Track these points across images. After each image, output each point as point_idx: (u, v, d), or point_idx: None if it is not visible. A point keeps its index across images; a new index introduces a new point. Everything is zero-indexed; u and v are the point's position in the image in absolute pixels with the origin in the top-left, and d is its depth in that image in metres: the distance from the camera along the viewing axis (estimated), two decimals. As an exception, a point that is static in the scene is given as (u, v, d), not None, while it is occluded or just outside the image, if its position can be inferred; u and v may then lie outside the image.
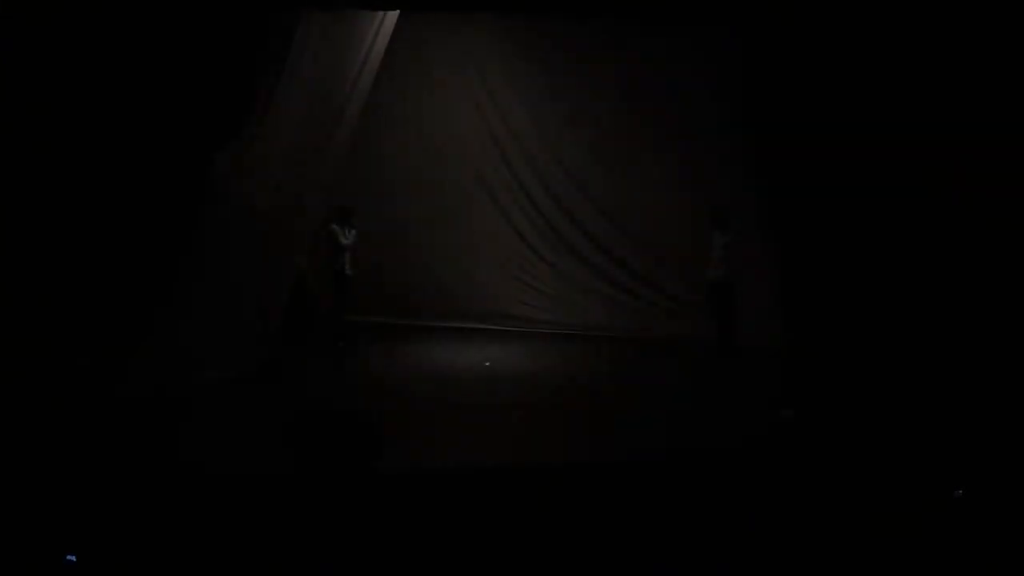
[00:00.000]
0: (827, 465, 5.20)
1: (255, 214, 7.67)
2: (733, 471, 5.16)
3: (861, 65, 8.08)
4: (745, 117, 9.16)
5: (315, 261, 9.54)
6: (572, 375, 8.42)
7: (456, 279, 10.60)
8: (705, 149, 9.64)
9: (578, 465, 5.49)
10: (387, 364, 8.76)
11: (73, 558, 3.86)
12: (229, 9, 7.17)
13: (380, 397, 7.24)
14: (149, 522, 4.35)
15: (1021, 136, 7.50)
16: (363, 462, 4.78)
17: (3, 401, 6.01)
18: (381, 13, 8.07)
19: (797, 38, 8.18)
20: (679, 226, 9.68)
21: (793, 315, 8.78)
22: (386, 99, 9.90)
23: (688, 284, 9.59)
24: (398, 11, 8.14)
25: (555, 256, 10.59)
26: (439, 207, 10.63)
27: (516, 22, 10.04)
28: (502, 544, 4.23)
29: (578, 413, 6.96)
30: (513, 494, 4.88)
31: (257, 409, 6.83)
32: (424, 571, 4.10)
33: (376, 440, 4.90)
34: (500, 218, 10.71)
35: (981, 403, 6.33)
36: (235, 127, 7.43)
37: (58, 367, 6.62)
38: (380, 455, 4.86)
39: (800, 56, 8.29)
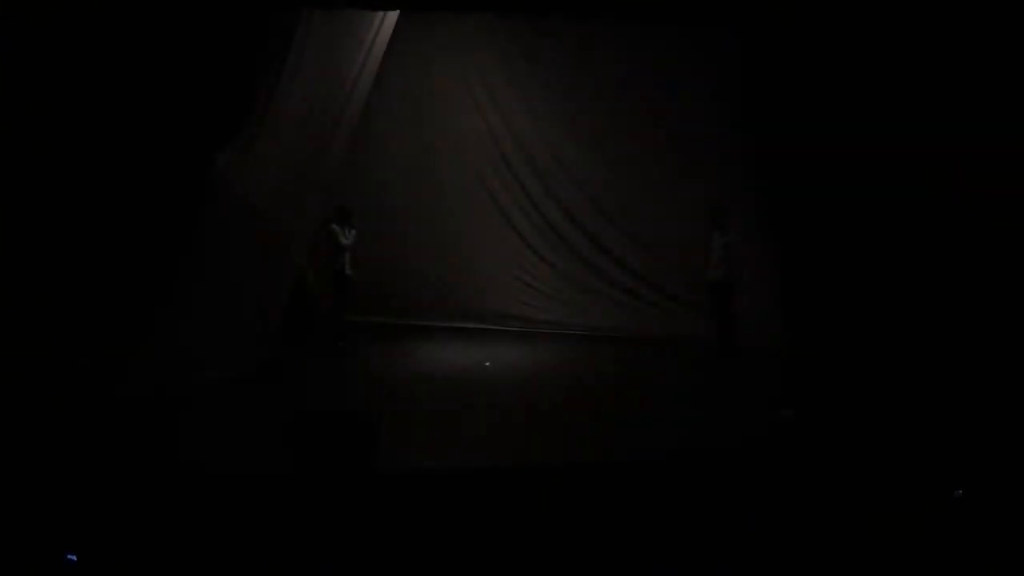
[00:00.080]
0: (827, 465, 5.20)
1: (255, 214, 7.67)
2: (733, 471, 5.16)
3: (861, 65, 8.07)
4: (745, 117, 9.16)
5: (315, 261, 9.55)
6: (572, 375, 8.41)
7: (456, 279, 10.60)
8: (705, 149, 9.64)
9: (578, 465, 5.49)
10: (387, 364, 8.76)
11: (74, 558, 3.86)
12: (229, 9, 7.17)
13: (380, 397, 7.24)
14: (149, 522, 4.35)
15: (1021, 136, 7.50)
16: (363, 462, 4.78)
17: (3, 401, 6.01)
18: (381, 13, 8.08)
19: (797, 38, 8.18)
20: (679, 226, 9.67)
21: (793, 315, 8.78)
22: (386, 99, 9.90)
23: (688, 284, 9.58)
24: (398, 11, 8.14)
25: (555, 256, 10.59)
26: (439, 207, 10.64)
27: (516, 22, 10.04)
28: (502, 544, 4.23)
29: (578, 413, 6.95)
30: (513, 494, 4.88)
31: (257, 409, 6.83)
32: (424, 571, 4.10)
33: (376, 440, 4.91)
34: (500, 218, 10.71)
35: (981, 403, 6.33)
36: (235, 127, 7.44)
37: (58, 367, 6.62)
38: (380, 455, 4.87)
39: (800, 56, 8.29)
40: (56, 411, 6.10)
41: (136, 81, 7.18)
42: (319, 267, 9.55)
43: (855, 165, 8.13)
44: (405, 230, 10.54)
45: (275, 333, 8.15)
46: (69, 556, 3.85)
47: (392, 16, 8.22)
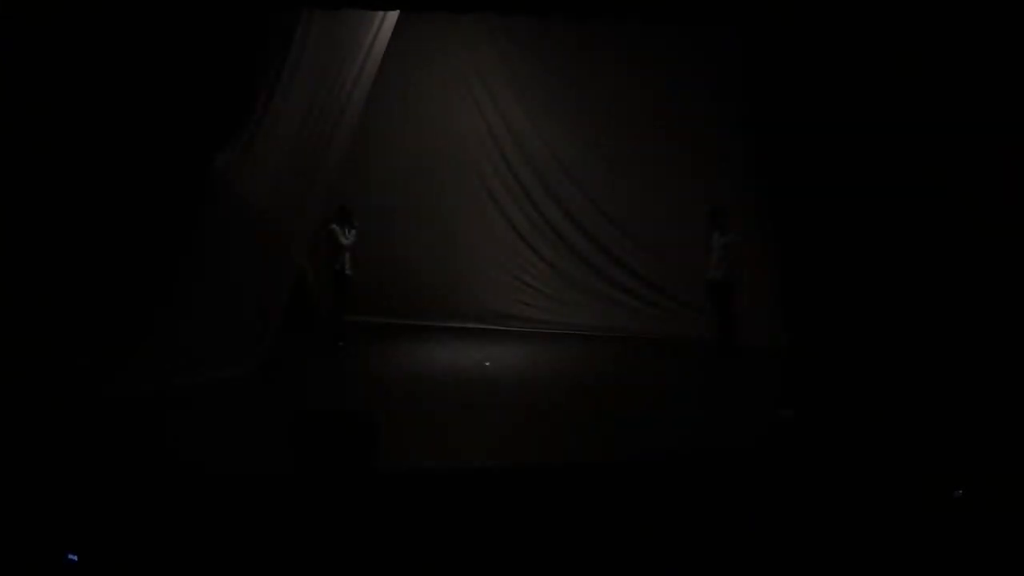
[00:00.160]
0: (827, 465, 5.20)
1: (255, 214, 7.67)
2: (733, 471, 5.15)
3: (861, 65, 8.07)
4: (745, 117, 9.16)
5: (315, 261, 9.56)
6: (572, 375, 8.41)
7: (456, 279, 10.60)
8: (705, 149, 9.64)
9: (578, 465, 5.49)
10: (387, 364, 8.76)
11: (74, 557, 3.86)
12: (229, 9, 7.17)
13: (380, 397, 7.24)
14: (149, 522, 4.35)
15: (1021, 136, 7.50)
16: (363, 462, 4.78)
17: (3, 401, 6.01)
18: (381, 13, 8.07)
19: (797, 38, 8.18)
20: (679, 226, 9.67)
21: (793, 315, 8.78)
22: (386, 99, 9.89)
23: (688, 284, 9.58)
24: (398, 11, 8.14)
25: (555, 256, 10.59)
26: (439, 207, 10.64)
27: (516, 22, 10.03)
28: (502, 544, 4.23)
29: (578, 413, 6.95)
30: (513, 494, 4.88)
31: (257, 409, 6.83)
32: (424, 571, 4.10)
33: (376, 440, 4.91)
34: (500, 218, 10.72)
35: (981, 403, 6.33)
36: (235, 127, 7.44)
37: (58, 367, 6.62)
38: (380, 455, 4.86)
39: (800, 56, 8.28)
40: (56, 411, 6.11)
41: (136, 81, 7.19)
42: (319, 267, 9.56)
43: (855, 165, 8.13)
44: (405, 230, 10.54)
45: (275, 333, 8.14)
46: (70, 556, 3.85)
47: (392, 16, 8.22)
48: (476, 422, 6.72)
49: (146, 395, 6.72)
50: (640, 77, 9.86)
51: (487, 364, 8.71)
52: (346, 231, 9.07)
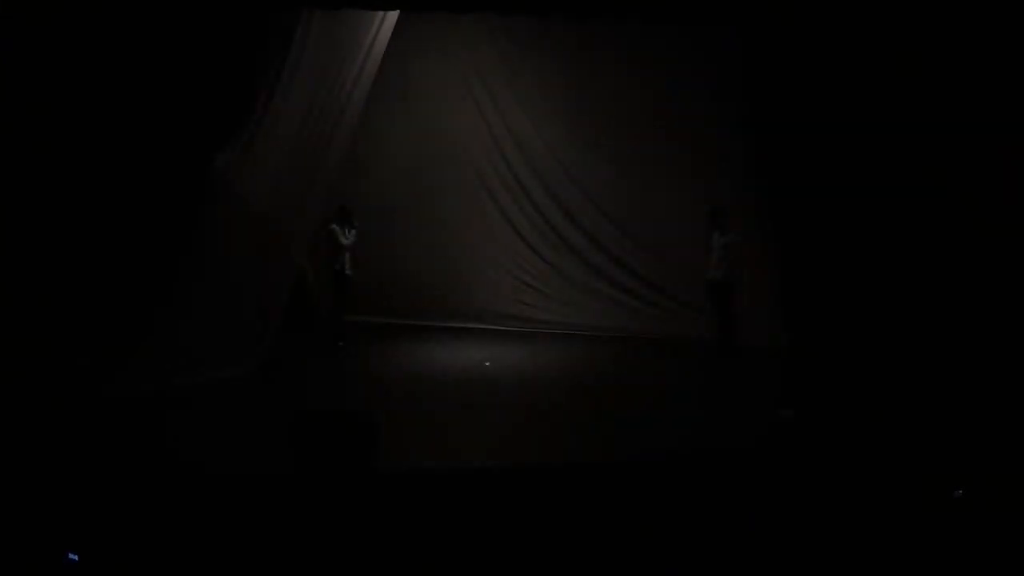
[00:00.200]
0: (827, 465, 5.20)
1: (255, 214, 7.68)
2: (733, 471, 5.15)
3: (861, 65, 8.07)
4: (745, 117, 9.16)
5: (315, 261, 9.55)
6: (572, 375, 8.41)
7: (456, 279, 10.60)
8: (705, 149, 9.64)
9: (578, 465, 5.49)
10: (387, 364, 8.76)
11: (75, 557, 3.86)
12: (229, 9, 7.17)
13: (380, 397, 7.24)
14: (149, 522, 4.35)
15: (1021, 136, 7.49)
16: (363, 462, 4.78)
17: (3, 401, 6.01)
18: (381, 13, 8.07)
19: (797, 38, 8.18)
20: (679, 226, 9.67)
21: (793, 315, 8.78)
22: (386, 99, 9.90)
23: (688, 284, 9.58)
24: (398, 11, 8.14)
25: (555, 256, 10.59)
26: (439, 207, 10.64)
27: (516, 22, 10.04)
28: (502, 544, 4.23)
29: (578, 413, 6.95)
30: (513, 494, 4.88)
31: (257, 409, 6.83)
32: (424, 571, 4.10)
33: (376, 440, 4.90)
34: (500, 218, 10.72)
35: (981, 403, 6.33)
36: (235, 127, 7.44)
37: (58, 367, 6.62)
38: (380, 455, 4.86)
39: (800, 56, 8.28)
40: (56, 411, 6.10)
41: (136, 81, 7.19)
42: (319, 267, 9.56)
43: (855, 165, 8.13)
44: (405, 230, 10.54)
45: (275, 333, 8.14)
46: (70, 556, 3.85)
47: (392, 16, 8.22)
48: (476, 422, 6.72)
49: (146, 395, 6.72)
50: (640, 77, 9.85)
51: (487, 364, 8.71)
52: (346, 231, 9.07)
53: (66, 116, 7.03)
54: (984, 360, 7.14)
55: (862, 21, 7.71)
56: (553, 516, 4.51)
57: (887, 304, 8.02)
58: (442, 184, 10.63)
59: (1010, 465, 5.07)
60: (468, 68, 10.53)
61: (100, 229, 7.16)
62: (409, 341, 9.80)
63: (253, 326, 7.88)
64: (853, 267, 8.22)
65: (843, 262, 8.26)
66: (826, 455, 5.43)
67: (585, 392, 7.72)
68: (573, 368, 8.72)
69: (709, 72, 9.53)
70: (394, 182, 10.53)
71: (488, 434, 6.41)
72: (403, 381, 8.02)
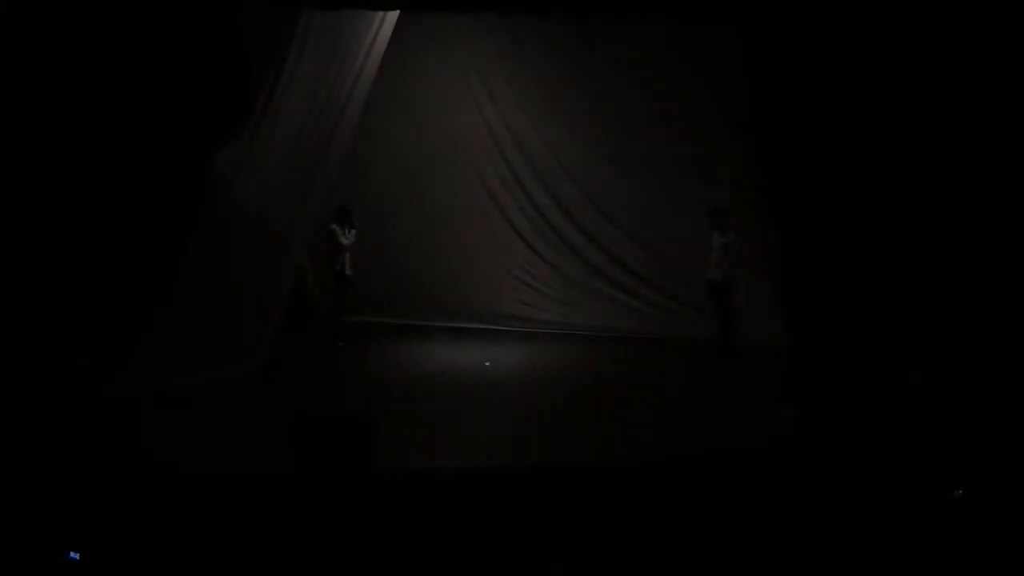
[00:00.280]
0: (827, 465, 5.20)
1: (255, 214, 7.67)
2: (733, 471, 5.16)
3: (861, 65, 8.07)
4: (745, 117, 9.16)
5: (315, 261, 9.55)
6: (572, 375, 8.41)
7: (456, 279, 10.60)
8: (705, 149, 9.64)
9: (578, 465, 5.49)
10: (387, 364, 8.75)
11: (76, 556, 3.86)
12: (229, 9, 7.17)
13: (380, 397, 7.24)
14: (149, 522, 4.35)
15: (1021, 136, 7.49)
16: (363, 462, 4.78)
17: (3, 401, 6.01)
18: (381, 13, 8.07)
19: (797, 38, 8.18)
20: (679, 226, 9.67)
21: (793, 315, 8.78)
22: (386, 99, 9.89)
23: (688, 284, 9.58)
24: (398, 11, 8.14)
25: (555, 256, 10.59)
26: (439, 207, 10.63)
27: (516, 22, 10.04)
28: (502, 544, 4.23)
29: (578, 413, 6.96)
30: (513, 494, 4.88)
31: (257, 409, 6.83)
32: (424, 571, 4.11)
33: (376, 440, 4.91)
34: (500, 218, 10.71)
35: (981, 403, 6.33)
36: (235, 127, 7.44)
37: (58, 367, 6.62)
38: (380, 455, 4.86)
39: (801, 56, 8.28)
40: (56, 411, 6.10)
41: (136, 81, 7.19)
42: (319, 267, 9.55)
43: (855, 165, 8.13)
44: (405, 230, 10.54)
45: (275, 333, 8.14)
46: (71, 555, 3.86)
47: (392, 16, 8.22)
48: (476, 422, 6.72)
49: (146, 395, 6.72)
50: (640, 77, 9.85)
51: (487, 364, 8.70)
52: (346, 231, 9.07)
53: (66, 116, 7.04)
54: (984, 360, 7.14)
55: (862, 21, 7.71)
56: (553, 516, 4.51)
57: (887, 304, 8.02)
58: (442, 184, 10.63)
59: (1010, 465, 5.07)
60: (468, 68, 10.52)
61: (100, 229, 7.17)
62: (409, 341, 9.80)
63: (253, 326, 7.87)
64: (853, 267, 8.22)
65: (843, 262, 8.26)
66: (826, 455, 5.43)
67: (585, 392, 7.71)
68: (573, 368, 8.72)
69: (709, 72, 9.52)
70: (394, 182, 10.53)
71: (488, 434, 6.40)
72: (403, 381, 8.02)
